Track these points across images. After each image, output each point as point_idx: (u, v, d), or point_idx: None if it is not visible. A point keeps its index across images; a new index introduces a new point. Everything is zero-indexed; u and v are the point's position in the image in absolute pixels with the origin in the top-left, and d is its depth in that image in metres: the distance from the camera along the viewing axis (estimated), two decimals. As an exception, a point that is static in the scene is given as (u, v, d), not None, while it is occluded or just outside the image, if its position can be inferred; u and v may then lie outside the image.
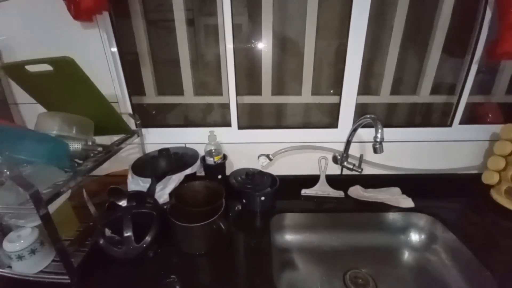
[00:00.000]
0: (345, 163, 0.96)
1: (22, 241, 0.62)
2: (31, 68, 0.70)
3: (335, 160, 1.02)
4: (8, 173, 0.55)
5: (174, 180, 0.80)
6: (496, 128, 1.00)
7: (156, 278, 0.66)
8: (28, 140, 0.63)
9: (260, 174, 0.98)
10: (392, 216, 0.95)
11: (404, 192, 1.00)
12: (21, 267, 0.63)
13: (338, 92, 1.00)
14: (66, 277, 0.60)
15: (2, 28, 0.89)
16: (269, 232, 0.84)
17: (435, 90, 1.08)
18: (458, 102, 1.02)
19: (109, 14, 0.88)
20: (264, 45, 1.02)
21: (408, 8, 0.96)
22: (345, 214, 0.96)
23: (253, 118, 1.13)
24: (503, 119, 1.08)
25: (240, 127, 1.05)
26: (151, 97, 1.12)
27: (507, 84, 1.10)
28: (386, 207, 0.95)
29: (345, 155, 0.96)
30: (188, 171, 0.83)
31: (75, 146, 0.75)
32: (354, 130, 0.89)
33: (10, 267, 0.65)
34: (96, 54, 0.90)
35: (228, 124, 1.05)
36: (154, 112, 1.15)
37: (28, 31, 0.89)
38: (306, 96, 1.10)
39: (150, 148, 1.03)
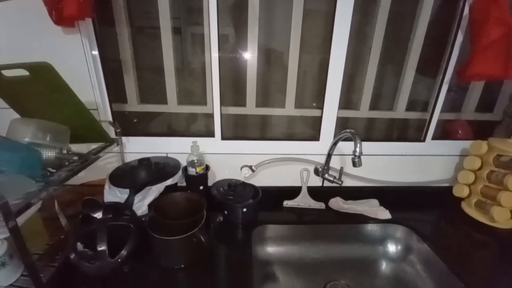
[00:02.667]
0: (326, 175, 0.98)
1: None
2: (6, 72, 0.67)
3: (316, 172, 1.04)
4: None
5: (154, 191, 0.78)
6: (466, 144, 1.06)
7: (131, 295, 0.64)
8: (5, 148, 0.59)
9: (243, 185, 0.97)
10: (370, 227, 0.98)
11: (381, 204, 1.03)
12: None
13: (321, 105, 1.04)
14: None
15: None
16: (251, 244, 0.83)
17: (410, 107, 1.14)
18: (431, 119, 1.08)
19: (92, 21, 0.86)
20: (249, 57, 1.04)
21: (386, 29, 1.02)
22: (325, 226, 0.97)
23: (237, 129, 1.13)
24: (472, 136, 1.15)
25: (223, 138, 1.05)
26: (133, 105, 1.10)
27: (476, 102, 1.18)
28: (364, 219, 0.98)
29: (326, 167, 0.98)
30: (169, 182, 0.81)
31: (49, 154, 0.71)
32: (334, 144, 0.92)
33: None
34: (77, 60, 0.88)
35: (211, 134, 1.04)
36: (135, 121, 1.12)
37: (5, 34, 0.85)
38: (290, 109, 1.12)
39: (130, 157, 1.00)
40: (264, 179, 1.05)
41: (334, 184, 0.99)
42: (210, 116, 1.04)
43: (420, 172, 1.11)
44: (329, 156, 0.96)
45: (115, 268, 0.63)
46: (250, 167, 0.98)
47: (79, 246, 0.62)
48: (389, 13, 1.00)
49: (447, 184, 1.13)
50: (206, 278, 0.70)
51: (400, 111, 1.15)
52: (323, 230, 0.97)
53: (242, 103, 1.11)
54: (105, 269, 0.62)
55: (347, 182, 1.08)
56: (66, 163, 0.74)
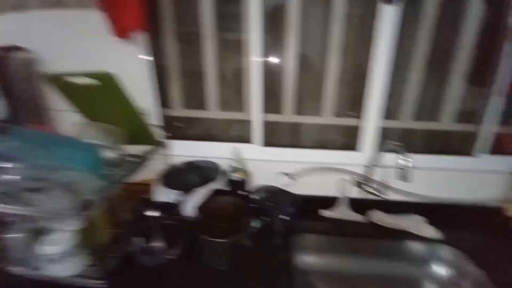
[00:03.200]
0: (367, 187, 0.96)
1: (60, 244, 0.64)
2: (74, 80, 0.75)
3: (356, 183, 1.02)
4: (53, 178, 0.58)
5: (200, 194, 0.81)
6: (522, 160, 0.99)
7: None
8: (71, 148, 0.66)
9: (282, 192, 0.98)
10: (413, 245, 0.94)
11: (426, 220, 0.98)
12: (58, 269, 0.64)
13: (361, 114, 1.02)
14: (100, 281, 0.62)
15: (42, 38, 0.94)
16: (289, 252, 0.84)
17: (458, 118, 1.08)
18: (481, 132, 1.02)
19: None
20: (286, 63, 1.04)
21: (431, 35, 0.97)
22: (365, 240, 0.94)
23: (276, 136, 1.14)
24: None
25: (263, 144, 1.06)
26: (177, 109, 1.16)
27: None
28: (407, 235, 0.94)
29: (367, 179, 0.96)
30: (213, 185, 0.85)
31: (109, 155, 0.78)
32: (378, 155, 0.90)
33: (44, 269, 0.66)
34: (132, 68, 0.94)
35: (251, 140, 1.07)
36: (178, 125, 1.18)
37: (67, 42, 0.94)
38: (328, 117, 1.11)
39: (174, 160, 1.05)
40: (301, 187, 1.04)
41: (375, 197, 0.97)
42: (250, 122, 1.07)
43: (469, 189, 1.05)
44: (370, 167, 0.94)
45: (167, 263, 0.67)
46: (289, 174, 0.99)
47: (138, 240, 0.67)
48: (435, 19, 0.97)
49: (498, 203, 1.05)
50: (246, 281, 0.72)
51: (446, 122, 1.09)
52: (363, 244, 0.94)
53: (279, 110, 1.12)
54: (160, 263, 0.66)
55: (390, 196, 1.04)
56: (123, 163, 0.80)
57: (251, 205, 0.86)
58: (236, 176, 0.93)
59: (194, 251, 0.75)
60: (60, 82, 0.76)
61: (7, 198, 0.59)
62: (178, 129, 1.18)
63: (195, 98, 1.17)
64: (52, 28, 0.93)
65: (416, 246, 0.93)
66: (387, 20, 0.89)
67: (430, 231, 0.93)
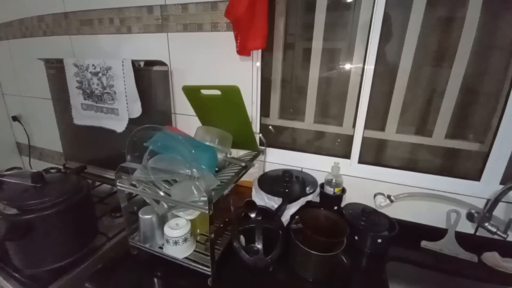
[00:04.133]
0: (487, 224, 0.83)
1: (180, 229, 0.75)
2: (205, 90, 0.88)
3: (470, 217, 0.89)
4: (184, 173, 0.70)
5: (297, 204, 0.85)
6: None
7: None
8: (198, 148, 0.78)
9: (376, 213, 0.93)
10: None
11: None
12: (173, 251, 0.75)
13: (483, 139, 0.89)
14: (206, 268, 0.70)
15: (176, 54, 1.14)
16: (384, 280, 0.79)
17: None
18: None
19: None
20: (395, 75, 0.98)
21: None
22: (477, 283, 0.82)
23: (374, 154, 1.09)
24: None
25: (360, 162, 1.03)
26: (274, 119, 1.23)
27: None
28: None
29: (487, 214, 0.83)
30: (310, 197, 0.87)
31: (221, 157, 0.88)
32: (509, 189, 0.76)
33: (161, 248, 0.80)
34: (246, 80, 1.05)
35: (347, 156, 1.05)
36: (274, 133, 1.24)
37: (198, 58, 1.10)
38: (438, 138, 1.00)
39: (268, 167, 1.12)
40: (399, 210, 0.97)
41: (491, 236, 0.83)
42: (346, 137, 1.04)
43: None
44: (495, 202, 0.80)
45: (266, 265, 0.72)
46: (388, 196, 0.93)
47: (241, 238, 0.74)
48: None
49: None
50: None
51: None
52: (469, 286, 0.82)
53: (381, 127, 1.06)
54: (260, 264, 0.72)
55: (510, 237, 0.88)
56: (231, 165, 0.89)
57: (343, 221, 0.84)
58: (331, 190, 0.93)
59: (287, 258, 0.78)
60: (194, 93, 0.90)
61: (151, 186, 0.74)
62: (273, 137, 1.25)
63: (291, 109, 1.22)
64: (188, 46, 1.10)
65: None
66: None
67: None
